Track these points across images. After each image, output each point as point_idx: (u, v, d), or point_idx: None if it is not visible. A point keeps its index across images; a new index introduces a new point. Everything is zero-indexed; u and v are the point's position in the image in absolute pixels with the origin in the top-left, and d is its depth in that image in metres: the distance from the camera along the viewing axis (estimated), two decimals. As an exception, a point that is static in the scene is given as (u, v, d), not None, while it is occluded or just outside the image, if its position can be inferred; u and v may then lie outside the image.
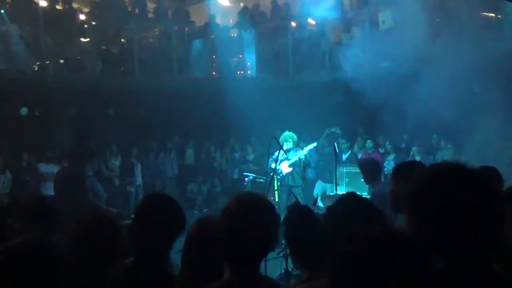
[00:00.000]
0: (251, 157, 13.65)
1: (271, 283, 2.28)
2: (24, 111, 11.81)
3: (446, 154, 10.67)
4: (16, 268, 1.97)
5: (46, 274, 2.00)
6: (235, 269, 2.12)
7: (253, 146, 13.74)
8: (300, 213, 2.79)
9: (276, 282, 2.39)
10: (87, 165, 6.94)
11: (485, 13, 11.53)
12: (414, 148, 10.86)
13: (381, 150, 11.64)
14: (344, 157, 11.64)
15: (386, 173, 9.98)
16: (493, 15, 11.57)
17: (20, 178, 11.21)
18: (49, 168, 11.01)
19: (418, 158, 10.04)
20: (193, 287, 2.41)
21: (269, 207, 2.21)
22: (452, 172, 1.65)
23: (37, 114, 12.04)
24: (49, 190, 8.97)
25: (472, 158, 8.77)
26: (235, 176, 13.73)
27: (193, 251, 2.49)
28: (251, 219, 2.10)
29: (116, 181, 12.77)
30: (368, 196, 7.08)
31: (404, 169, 3.42)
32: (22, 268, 1.97)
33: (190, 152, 14.59)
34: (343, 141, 11.63)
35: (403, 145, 11.56)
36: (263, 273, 2.33)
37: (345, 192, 3.52)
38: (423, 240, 1.59)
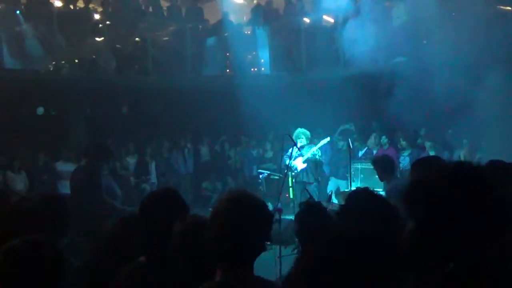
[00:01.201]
0: (269, 154, 13.57)
1: (265, 284, 2.21)
2: (40, 110, 11.90)
3: (461, 149, 10.56)
4: (15, 268, 1.98)
5: (45, 273, 2.00)
6: (227, 270, 2.07)
7: (271, 144, 13.66)
8: (311, 209, 2.77)
9: (271, 282, 2.32)
10: (104, 164, 7.00)
11: (501, 7, 11.38)
12: (428, 144, 10.75)
13: (397, 146, 11.54)
14: (360, 153, 11.57)
15: (401, 169, 9.91)
16: (510, 8, 11.41)
17: (37, 177, 11.31)
18: (66, 167, 11.03)
19: (432, 153, 9.95)
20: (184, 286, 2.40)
21: (259, 206, 2.15)
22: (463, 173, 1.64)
23: (53, 113, 12.13)
24: (66, 189, 9.03)
25: (487, 153, 8.68)
26: (254, 173, 13.65)
27: (181, 250, 2.45)
28: (240, 218, 2.05)
29: (132, 179, 12.83)
30: (383, 193, 7.06)
31: (423, 164, 3.34)
32: (21, 268, 1.98)
33: (204, 150, 14.60)
34: (357, 137, 11.56)
35: (418, 141, 11.45)
36: (276, 270, 2.28)
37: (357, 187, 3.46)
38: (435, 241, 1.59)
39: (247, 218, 2.06)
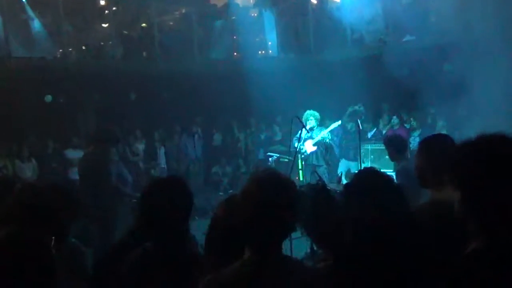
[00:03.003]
0: (279, 137, 13.53)
1: (294, 263, 2.19)
2: (48, 98, 11.90)
3: (472, 128, 10.41)
4: None
5: (24, 269, 1.95)
6: (257, 250, 2.04)
7: (279, 126, 13.61)
8: (314, 192, 2.71)
9: (299, 262, 2.31)
10: (111, 149, 6.96)
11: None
12: (439, 124, 10.65)
13: (407, 126, 11.44)
14: (370, 134, 11.50)
15: (411, 149, 9.83)
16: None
17: (47, 165, 11.36)
18: (76, 154, 11.09)
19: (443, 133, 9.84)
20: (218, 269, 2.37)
21: (290, 186, 2.10)
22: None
23: (61, 101, 12.13)
24: (77, 176, 9.06)
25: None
26: (261, 157, 13.63)
27: (218, 233, 2.42)
28: (272, 199, 2.00)
29: (141, 165, 12.87)
30: (393, 173, 7.01)
31: (431, 142, 3.23)
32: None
33: (213, 134, 14.58)
34: (366, 119, 11.47)
35: (429, 121, 11.34)
36: (287, 253, 2.24)
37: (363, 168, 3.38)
38: (471, 216, 1.60)
39: (278, 200, 2.01)
